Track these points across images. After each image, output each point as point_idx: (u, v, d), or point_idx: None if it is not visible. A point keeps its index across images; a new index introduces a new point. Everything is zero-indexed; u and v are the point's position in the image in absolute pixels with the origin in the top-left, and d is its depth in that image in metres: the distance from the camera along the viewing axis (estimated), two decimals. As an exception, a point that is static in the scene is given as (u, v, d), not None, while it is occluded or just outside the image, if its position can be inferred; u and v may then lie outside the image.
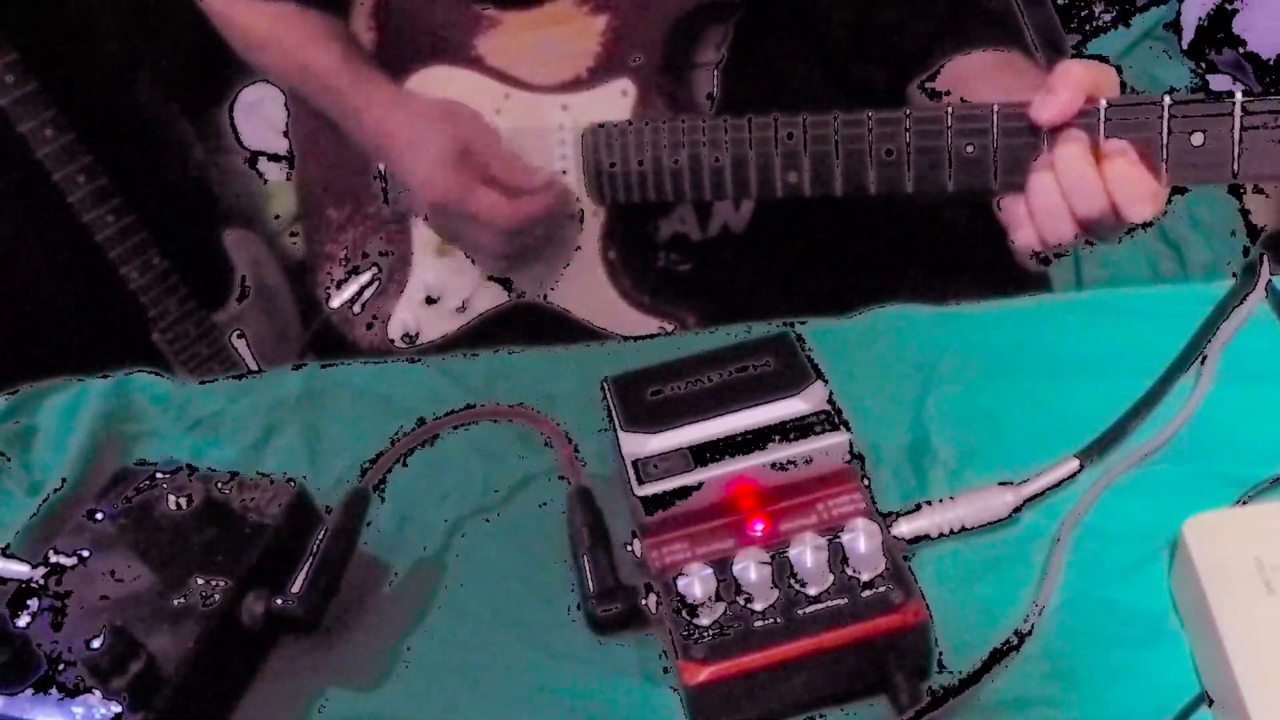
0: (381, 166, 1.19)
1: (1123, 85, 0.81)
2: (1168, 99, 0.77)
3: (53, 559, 0.71)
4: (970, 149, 0.85)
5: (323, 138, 1.24)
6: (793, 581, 0.63)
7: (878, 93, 1.08)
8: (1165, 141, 0.77)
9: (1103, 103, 0.78)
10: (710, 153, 0.97)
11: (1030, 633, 0.64)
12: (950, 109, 0.85)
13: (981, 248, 1.14)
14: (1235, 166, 0.76)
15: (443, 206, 1.08)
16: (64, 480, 0.83)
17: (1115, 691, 0.61)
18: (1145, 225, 0.79)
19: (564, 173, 1.08)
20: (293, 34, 1.18)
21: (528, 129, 1.09)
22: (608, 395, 0.74)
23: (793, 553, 0.63)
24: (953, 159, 0.86)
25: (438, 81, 1.12)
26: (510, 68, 1.10)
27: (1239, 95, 0.75)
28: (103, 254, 1.58)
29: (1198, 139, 0.76)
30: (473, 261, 1.14)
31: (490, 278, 1.15)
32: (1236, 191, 1.48)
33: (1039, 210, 0.80)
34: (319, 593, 0.69)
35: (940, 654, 0.63)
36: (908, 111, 0.87)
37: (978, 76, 0.99)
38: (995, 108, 0.83)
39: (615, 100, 1.05)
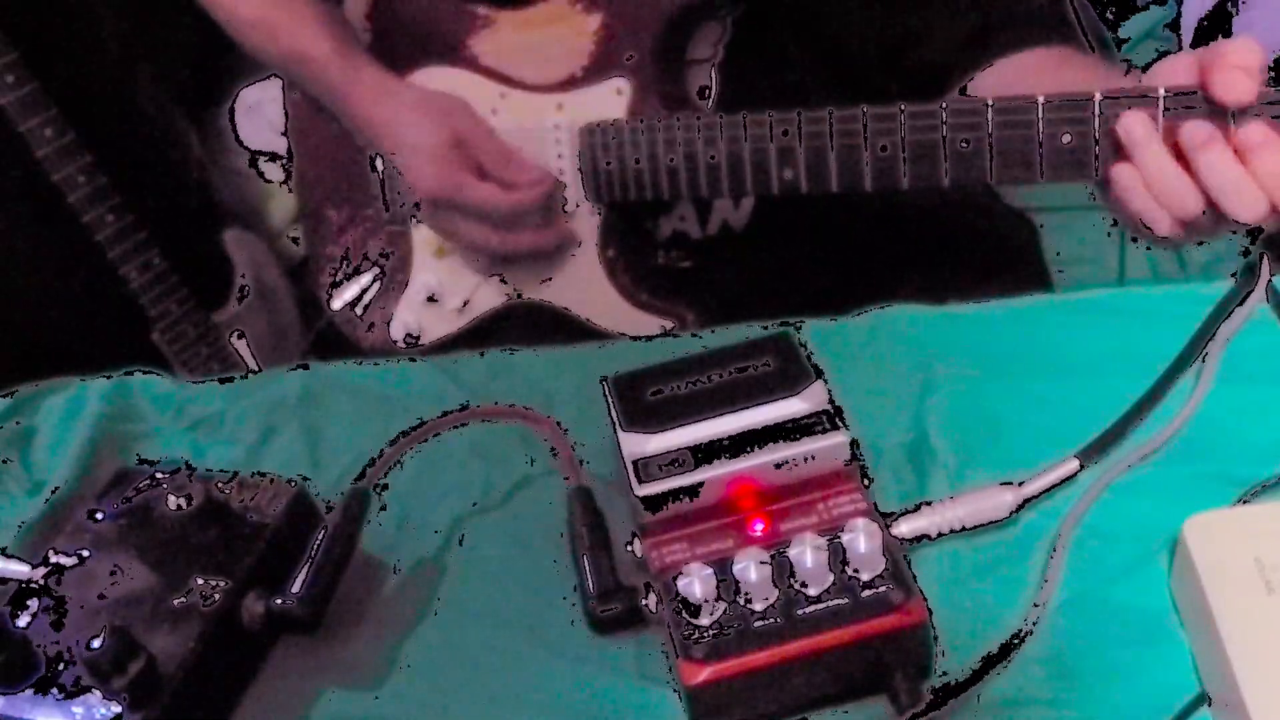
0: (380, 168, 1.19)
1: None
2: None
3: (53, 559, 0.71)
4: (965, 143, 0.85)
5: (321, 139, 1.24)
6: (793, 581, 0.63)
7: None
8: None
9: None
10: (706, 150, 0.97)
11: (1030, 633, 0.64)
12: (945, 104, 0.85)
13: (981, 248, 1.14)
14: None
15: (436, 200, 1.08)
16: (64, 480, 0.83)
17: (1115, 691, 0.61)
18: None
19: (560, 172, 1.08)
20: (283, 20, 1.16)
21: (524, 129, 1.09)
22: (608, 395, 0.74)
23: (793, 553, 0.62)
24: (948, 153, 0.86)
25: (434, 83, 1.12)
26: (505, 67, 1.10)
27: None
28: (103, 254, 1.58)
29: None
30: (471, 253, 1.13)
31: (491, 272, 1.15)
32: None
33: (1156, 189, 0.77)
34: (319, 593, 0.69)
35: (940, 654, 0.63)
36: (902, 107, 0.87)
37: (1033, 76, 0.93)
38: (989, 101, 0.83)
39: (610, 98, 1.05)
